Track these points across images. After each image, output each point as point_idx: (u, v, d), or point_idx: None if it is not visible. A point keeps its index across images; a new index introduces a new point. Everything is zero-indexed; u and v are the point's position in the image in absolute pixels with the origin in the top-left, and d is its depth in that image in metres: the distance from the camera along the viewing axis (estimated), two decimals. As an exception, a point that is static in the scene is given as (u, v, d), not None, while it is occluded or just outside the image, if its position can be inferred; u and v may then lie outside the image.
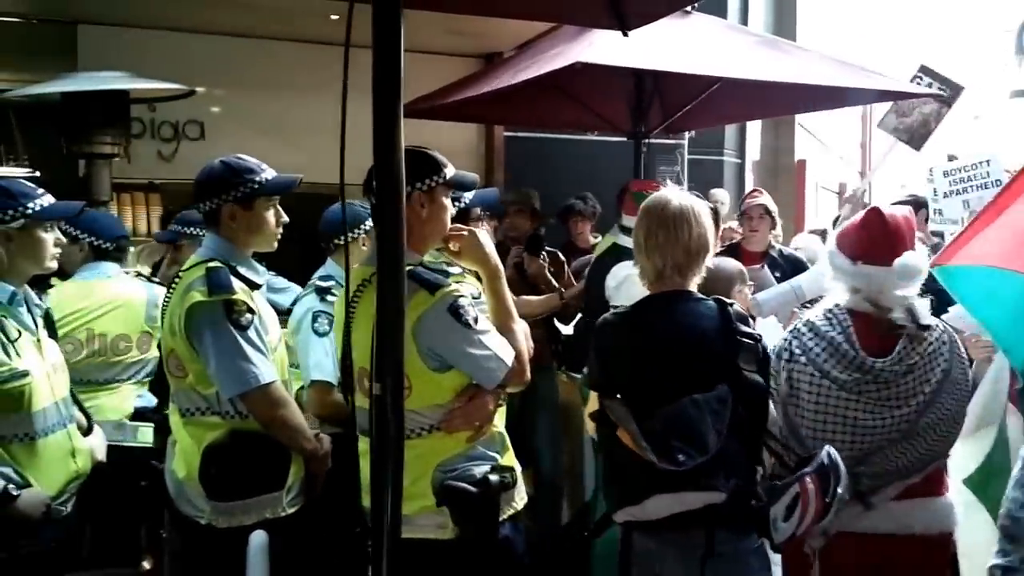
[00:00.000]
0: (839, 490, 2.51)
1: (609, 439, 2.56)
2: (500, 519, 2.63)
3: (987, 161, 7.91)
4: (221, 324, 2.78)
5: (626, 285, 4.07)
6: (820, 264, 4.01)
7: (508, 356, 2.60)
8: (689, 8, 4.97)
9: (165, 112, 6.36)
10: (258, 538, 2.68)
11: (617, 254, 4.26)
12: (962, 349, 2.98)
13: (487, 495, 2.55)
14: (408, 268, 2.49)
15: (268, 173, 2.98)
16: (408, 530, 2.46)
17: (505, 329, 2.67)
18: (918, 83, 7.53)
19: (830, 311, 2.94)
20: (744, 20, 8.95)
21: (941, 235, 5.37)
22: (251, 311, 2.85)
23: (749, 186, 9.96)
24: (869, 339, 2.87)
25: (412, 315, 2.45)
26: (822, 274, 3.85)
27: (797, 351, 2.90)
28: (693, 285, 2.71)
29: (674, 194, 2.76)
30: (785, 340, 2.96)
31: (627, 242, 4.23)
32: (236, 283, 2.86)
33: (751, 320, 2.68)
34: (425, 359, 2.52)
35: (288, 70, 6.43)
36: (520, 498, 2.76)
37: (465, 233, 2.74)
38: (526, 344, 2.73)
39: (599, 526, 2.89)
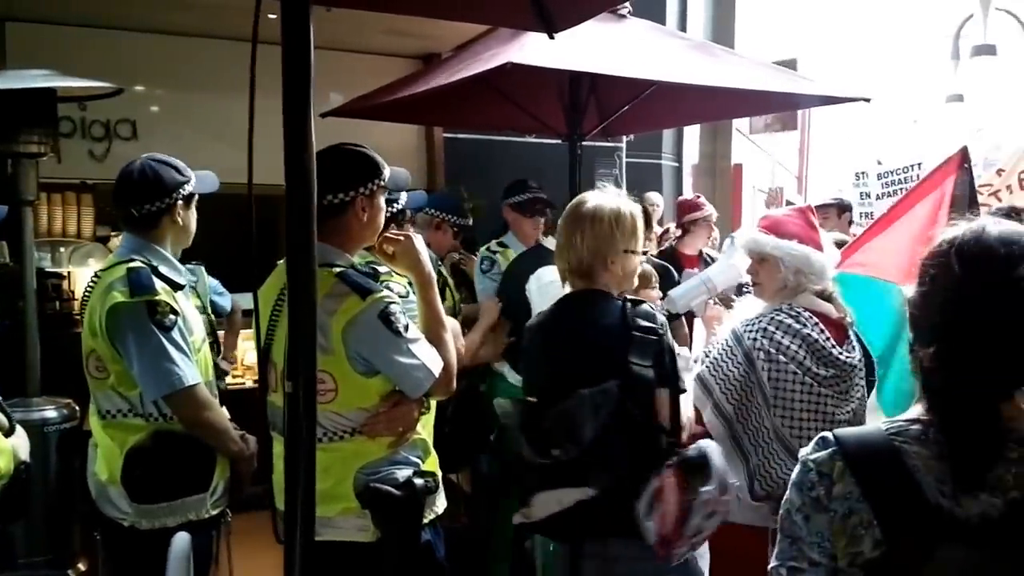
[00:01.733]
0: (709, 487, 2.45)
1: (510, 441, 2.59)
2: (422, 523, 2.63)
3: (918, 164, 8.12)
4: (144, 325, 2.75)
5: (548, 288, 4.12)
6: (727, 255, 4.09)
7: (436, 366, 2.59)
8: (624, 12, 5.01)
9: (96, 111, 6.25)
10: (180, 540, 2.65)
11: (537, 255, 4.32)
12: None
13: (411, 498, 2.55)
14: (339, 270, 2.52)
15: (190, 174, 3.02)
16: (329, 532, 2.48)
17: (435, 337, 2.66)
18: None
19: (793, 309, 3.00)
20: (683, 26, 9.03)
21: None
22: (174, 312, 2.83)
23: (687, 190, 10.06)
24: (829, 333, 2.99)
25: (342, 319, 2.45)
26: (732, 266, 3.93)
27: (773, 351, 2.94)
28: (604, 284, 2.72)
29: (593, 196, 2.79)
30: (754, 341, 2.98)
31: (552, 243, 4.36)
32: (158, 283, 2.84)
33: (659, 316, 2.65)
34: (353, 363, 2.51)
35: (224, 69, 6.22)
36: (441, 503, 2.77)
37: (402, 238, 2.74)
38: (455, 353, 2.73)
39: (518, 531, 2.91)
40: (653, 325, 2.60)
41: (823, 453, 1.50)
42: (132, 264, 2.84)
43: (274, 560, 2.08)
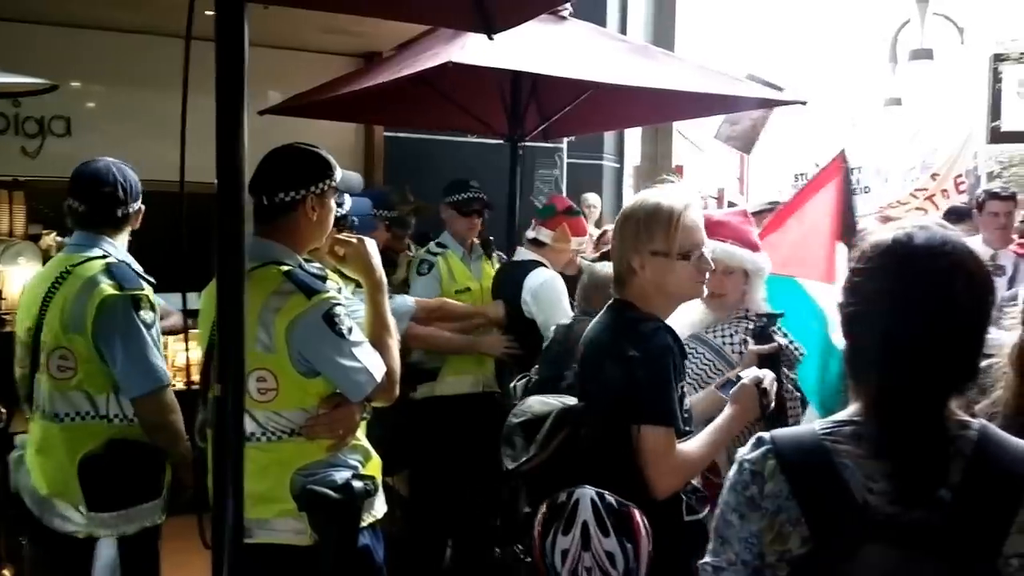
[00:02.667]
0: (566, 537, 2.20)
1: None
2: (360, 526, 2.60)
3: (858, 168, 8.27)
4: (132, 321, 2.75)
5: (540, 291, 4.22)
6: None
7: (378, 371, 2.57)
8: (565, 14, 5.03)
9: (30, 107, 6.12)
10: (106, 549, 2.64)
11: (519, 265, 4.46)
12: None
13: (349, 501, 2.53)
14: (287, 268, 2.51)
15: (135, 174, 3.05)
16: (265, 535, 2.47)
17: (380, 343, 2.64)
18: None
19: (760, 317, 3.03)
20: (624, 28, 9.07)
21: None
22: (154, 309, 2.83)
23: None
24: None
25: (286, 317, 2.44)
26: None
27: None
28: (634, 296, 2.45)
29: (649, 191, 2.52)
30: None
31: (526, 254, 4.48)
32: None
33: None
34: (295, 363, 2.48)
35: (160, 65, 6.09)
36: (380, 507, 2.74)
37: (354, 241, 2.73)
38: (399, 360, 2.71)
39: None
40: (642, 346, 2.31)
41: (757, 452, 1.52)
42: (108, 259, 2.80)
43: (201, 566, 2.05)
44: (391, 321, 2.73)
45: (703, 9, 15.14)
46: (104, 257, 2.83)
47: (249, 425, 2.40)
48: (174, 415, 2.85)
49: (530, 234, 4.59)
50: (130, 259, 2.96)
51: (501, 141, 5.24)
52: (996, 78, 11.89)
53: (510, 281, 4.43)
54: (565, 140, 7.94)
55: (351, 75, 5.53)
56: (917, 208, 8.38)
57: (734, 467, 1.56)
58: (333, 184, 2.67)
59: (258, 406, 2.47)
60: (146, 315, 2.78)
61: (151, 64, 6.20)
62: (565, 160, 8.14)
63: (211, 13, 1.95)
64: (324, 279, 2.62)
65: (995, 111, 11.96)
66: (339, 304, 2.52)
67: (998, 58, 11.91)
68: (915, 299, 1.43)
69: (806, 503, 1.44)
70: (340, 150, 6.69)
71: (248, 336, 2.28)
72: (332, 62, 6.79)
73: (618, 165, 9.28)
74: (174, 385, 2.95)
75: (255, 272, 2.41)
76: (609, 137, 8.95)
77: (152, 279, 2.95)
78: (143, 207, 3.05)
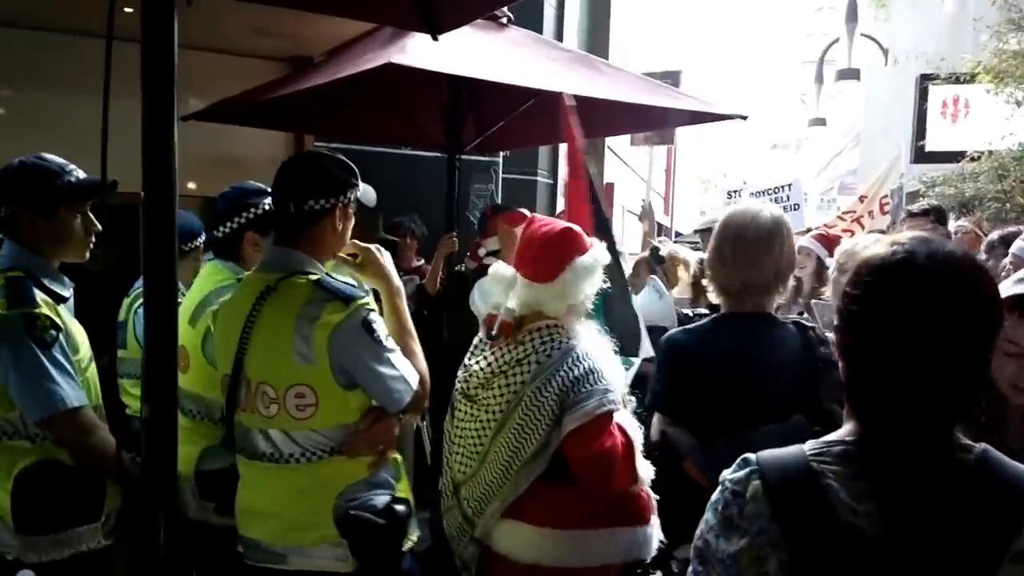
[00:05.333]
0: None
1: (672, 470, 2.44)
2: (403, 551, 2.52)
3: (789, 185, 8.36)
4: (21, 341, 2.51)
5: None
6: (644, 296, 4.08)
7: (413, 379, 2.49)
8: (505, 20, 4.91)
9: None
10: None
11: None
12: None
13: (393, 526, 2.44)
14: (316, 277, 2.43)
15: (75, 175, 2.71)
16: (304, 561, 2.44)
17: (406, 350, 2.55)
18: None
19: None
20: (560, 35, 9.04)
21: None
22: (56, 327, 2.58)
23: (561, 207, 10.07)
24: None
25: (327, 325, 2.35)
26: (647, 306, 3.93)
27: None
28: (773, 307, 2.59)
29: (754, 208, 2.65)
30: None
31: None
32: (40, 296, 2.58)
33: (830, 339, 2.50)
34: (336, 374, 2.37)
35: (79, 67, 5.84)
36: (415, 530, 2.63)
37: (371, 248, 2.67)
38: (426, 367, 2.63)
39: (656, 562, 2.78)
40: (830, 352, 2.43)
41: (741, 473, 1.47)
42: (11, 274, 2.59)
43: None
44: (412, 327, 2.66)
45: (634, 18, 15.27)
46: (10, 271, 2.60)
47: (287, 446, 2.39)
48: (90, 437, 2.61)
49: (482, 252, 4.60)
50: (49, 270, 2.70)
51: (437, 154, 5.11)
52: (923, 98, 12.20)
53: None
54: (501, 155, 7.85)
55: (282, 80, 5.31)
56: (844, 230, 8.51)
57: (718, 488, 1.51)
58: (357, 195, 2.60)
59: (297, 425, 2.38)
60: (44, 334, 2.54)
61: (67, 65, 5.90)
62: (500, 174, 8.05)
63: (131, 10, 1.84)
64: (356, 285, 2.52)
65: (920, 131, 12.25)
66: (374, 310, 2.43)
67: (925, 78, 12.23)
68: (921, 319, 1.34)
69: (787, 525, 1.39)
70: (267, 160, 6.44)
71: (281, 351, 2.33)
72: (258, 66, 6.53)
73: (551, 181, 9.23)
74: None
75: (282, 284, 2.39)
76: (543, 152, 8.92)
77: (66, 293, 2.71)
78: (45, 207, 2.67)
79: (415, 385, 2.48)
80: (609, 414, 2.61)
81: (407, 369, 2.47)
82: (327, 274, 2.50)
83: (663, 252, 5.73)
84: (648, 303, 4.83)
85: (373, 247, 2.69)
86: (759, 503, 1.42)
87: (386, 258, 2.69)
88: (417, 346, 2.62)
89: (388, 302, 2.64)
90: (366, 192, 2.77)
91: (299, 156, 2.58)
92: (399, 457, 2.63)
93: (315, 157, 2.59)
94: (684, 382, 2.57)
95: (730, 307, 2.62)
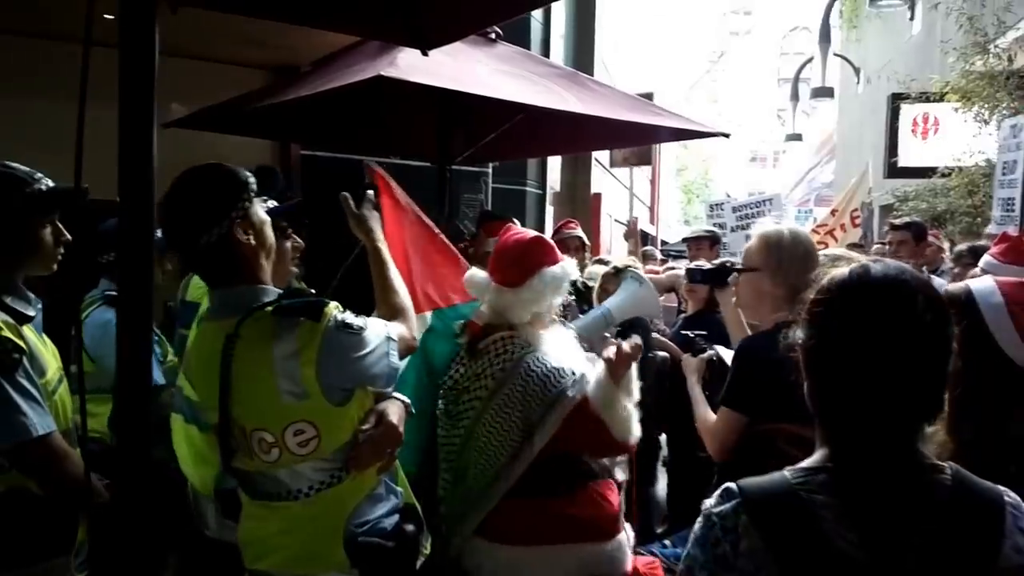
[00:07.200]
0: None
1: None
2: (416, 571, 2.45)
3: (769, 200, 8.48)
4: None
5: None
6: (625, 288, 4.04)
7: (394, 332, 2.37)
8: (494, 36, 4.94)
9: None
10: None
11: None
12: None
13: (405, 549, 2.35)
14: (272, 308, 2.19)
15: (44, 184, 2.53)
16: None
17: (390, 309, 2.52)
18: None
19: None
20: (546, 52, 9.09)
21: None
22: (18, 350, 2.38)
23: (550, 216, 10.13)
24: None
25: (309, 354, 2.14)
26: (631, 297, 3.89)
27: None
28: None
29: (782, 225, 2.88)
30: None
31: None
32: (0, 317, 2.40)
33: None
34: (328, 396, 2.20)
35: (54, 72, 5.72)
36: (425, 540, 2.54)
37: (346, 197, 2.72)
38: (414, 323, 2.59)
39: None
40: None
41: (727, 506, 1.43)
42: None
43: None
44: (395, 281, 2.60)
45: (618, 32, 15.34)
46: None
47: (296, 482, 2.24)
48: (58, 465, 2.43)
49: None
50: (13, 287, 2.52)
51: (424, 164, 5.11)
52: (894, 116, 12.43)
53: None
54: (490, 165, 7.87)
55: (270, 88, 5.32)
56: (819, 243, 8.67)
57: (700, 519, 1.47)
58: (252, 192, 2.29)
59: (302, 460, 2.23)
60: (5, 359, 2.34)
61: (42, 71, 5.63)
62: (490, 184, 8.07)
63: (111, 17, 1.77)
64: (310, 292, 2.38)
65: (892, 148, 12.48)
66: (338, 307, 2.23)
67: (897, 97, 12.48)
68: (879, 327, 1.39)
69: (785, 560, 1.37)
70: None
71: (267, 396, 2.15)
72: (243, 75, 6.48)
73: (540, 191, 9.28)
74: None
75: (242, 328, 2.15)
76: (532, 164, 8.96)
77: (31, 311, 2.51)
78: (12, 219, 2.51)
79: (395, 335, 2.36)
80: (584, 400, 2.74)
81: (380, 331, 2.32)
82: (281, 295, 2.25)
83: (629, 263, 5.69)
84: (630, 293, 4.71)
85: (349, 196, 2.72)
86: (752, 540, 1.40)
87: (372, 215, 2.72)
88: (399, 299, 2.56)
89: (373, 257, 2.63)
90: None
91: (167, 194, 2.20)
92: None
93: (181, 186, 2.22)
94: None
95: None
